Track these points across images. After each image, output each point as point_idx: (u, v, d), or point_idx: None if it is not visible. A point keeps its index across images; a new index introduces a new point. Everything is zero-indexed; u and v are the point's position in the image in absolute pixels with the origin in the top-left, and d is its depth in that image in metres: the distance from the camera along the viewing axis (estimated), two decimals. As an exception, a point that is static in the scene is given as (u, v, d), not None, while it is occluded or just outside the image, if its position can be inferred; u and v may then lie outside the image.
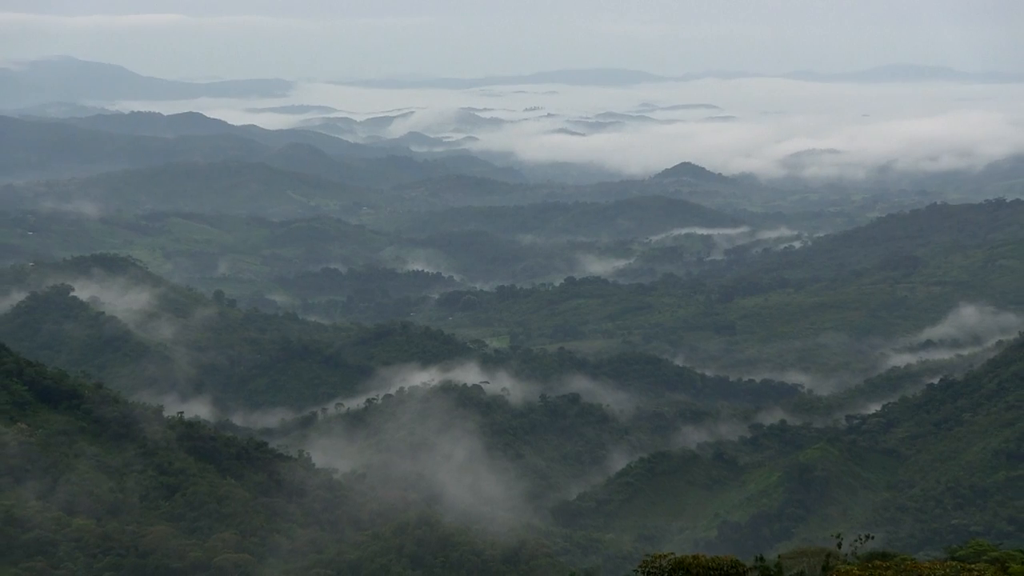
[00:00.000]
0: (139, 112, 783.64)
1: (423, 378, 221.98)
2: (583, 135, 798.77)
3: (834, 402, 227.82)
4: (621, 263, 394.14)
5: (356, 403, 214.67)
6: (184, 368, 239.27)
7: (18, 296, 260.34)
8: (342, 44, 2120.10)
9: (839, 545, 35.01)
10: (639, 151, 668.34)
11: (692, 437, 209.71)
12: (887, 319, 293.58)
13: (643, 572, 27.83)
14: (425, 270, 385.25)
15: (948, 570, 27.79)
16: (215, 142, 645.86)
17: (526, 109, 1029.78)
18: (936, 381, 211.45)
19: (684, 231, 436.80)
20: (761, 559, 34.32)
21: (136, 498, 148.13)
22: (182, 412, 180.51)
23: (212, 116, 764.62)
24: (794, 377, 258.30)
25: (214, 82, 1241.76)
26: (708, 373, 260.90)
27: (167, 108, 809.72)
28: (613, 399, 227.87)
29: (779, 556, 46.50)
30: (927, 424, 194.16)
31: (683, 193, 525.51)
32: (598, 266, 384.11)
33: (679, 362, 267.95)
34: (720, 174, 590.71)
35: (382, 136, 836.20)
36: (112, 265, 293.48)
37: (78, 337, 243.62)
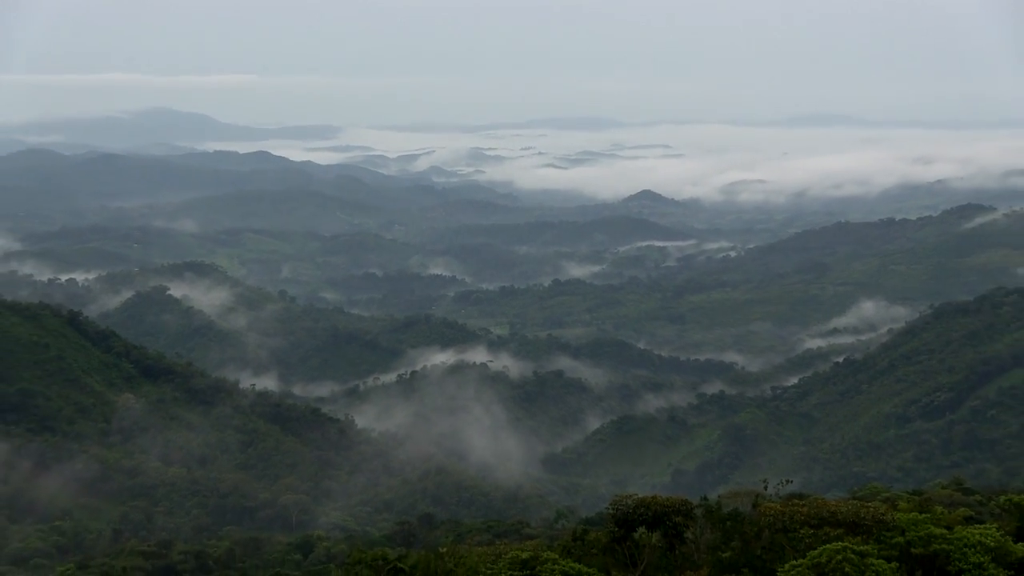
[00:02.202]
0: (220, 151, 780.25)
1: (442, 358, 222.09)
2: (566, 168, 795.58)
3: (761, 376, 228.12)
4: (596, 268, 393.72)
5: (389, 377, 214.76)
6: (255, 350, 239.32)
7: (126, 294, 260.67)
8: (379, 97, 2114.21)
9: (765, 487, 34.90)
10: (610, 181, 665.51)
11: (651, 403, 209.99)
12: (803, 312, 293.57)
13: (613, 509, 27.74)
14: (443, 274, 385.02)
15: (850, 507, 27.72)
16: (280, 174, 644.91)
17: (521, 148, 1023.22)
18: (841, 360, 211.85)
19: (645, 243, 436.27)
20: (705, 499, 34.32)
21: (218, 451, 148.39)
22: (254, 384, 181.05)
23: (277, 154, 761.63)
24: (730, 357, 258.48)
25: (279, 127, 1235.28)
26: (664, 354, 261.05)
27: (242, 148, 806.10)
28: (590, 374, 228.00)
29: (719, 496, 46.47)
30: (834, 393, 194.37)
31: (644, 214, 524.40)
32: (578, 271, 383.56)
33: (641, 345, 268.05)
34: (673, 199, 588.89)
35: (410, 169, 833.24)
36: (200, 270, 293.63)
37: (173, 326, 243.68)
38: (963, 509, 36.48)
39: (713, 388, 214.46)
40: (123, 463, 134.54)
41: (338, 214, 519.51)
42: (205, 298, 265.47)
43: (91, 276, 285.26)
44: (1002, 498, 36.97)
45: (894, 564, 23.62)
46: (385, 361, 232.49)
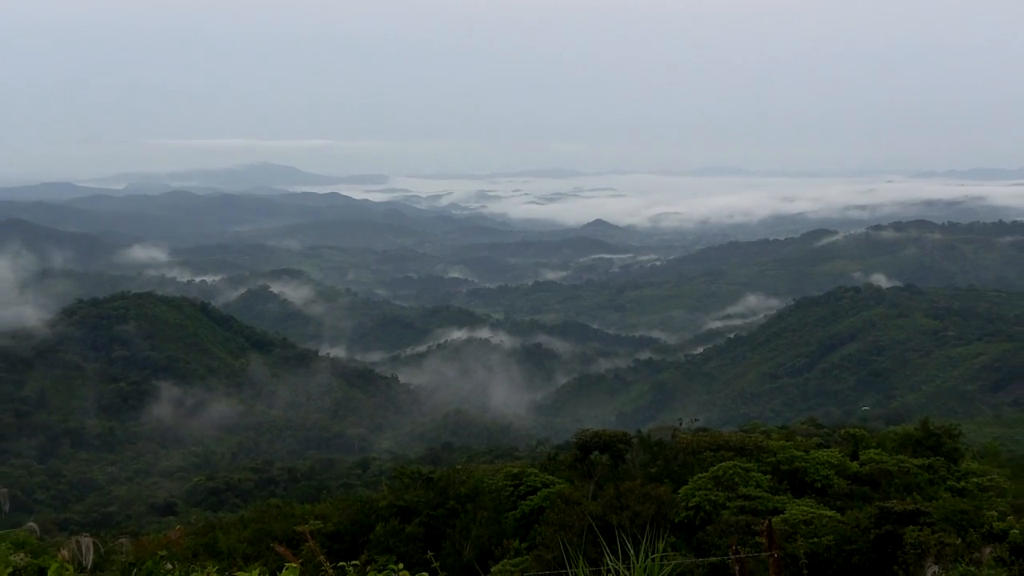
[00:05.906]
0: (304, 192, 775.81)
1: (458, 335, 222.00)
2: (543, 204, 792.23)
3: (677, 347, 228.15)
4: (564, 273, 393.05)
5: (422, 348, 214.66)
6: (329, 329, 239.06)
7: (241, 290, 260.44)
8: (415, 155, 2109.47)
9: (680, 424, 35.01)
10: (574, 213, 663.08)
11: (602, 366, 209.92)
12: (706, 303, 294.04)
13: (576, 438, 27.84)
14: (459, 277, 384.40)
15: (738, 437, 27.89)
16: (346, 209, 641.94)
17: (513, 190, 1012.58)
18: (732, 336, 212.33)
19: (598, 256, 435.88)
20: (639, 431, 34.40)
21: (304, 399, 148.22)
22: (329, 352, 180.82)
23: (344, 195, 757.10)
24: (657, 334, 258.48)
25: (345, 175, 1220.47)
26: (610, 332, 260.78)
27: (320, 190, 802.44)
28: (560, 346, 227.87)
29: (648, 429, 46.57)
30: (728, 359, 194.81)
31: (597, 236, 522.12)
32: (551, 275, 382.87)
33: (595, 326, 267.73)
34: (617, 225, 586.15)
35: (436, 205, 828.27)
36: (292, 274, 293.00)
37: (273, 312, 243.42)
38: (816, 439, 36.62)
39: (644, 356, 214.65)
40: (240, 407, 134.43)
41: (386, 236, 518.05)
42: (295, 294, 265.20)
43: (217, 278, 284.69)
44: (842, 431, 37.17)
45: (769, 476, 23.80)
46: (418, 337, 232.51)
